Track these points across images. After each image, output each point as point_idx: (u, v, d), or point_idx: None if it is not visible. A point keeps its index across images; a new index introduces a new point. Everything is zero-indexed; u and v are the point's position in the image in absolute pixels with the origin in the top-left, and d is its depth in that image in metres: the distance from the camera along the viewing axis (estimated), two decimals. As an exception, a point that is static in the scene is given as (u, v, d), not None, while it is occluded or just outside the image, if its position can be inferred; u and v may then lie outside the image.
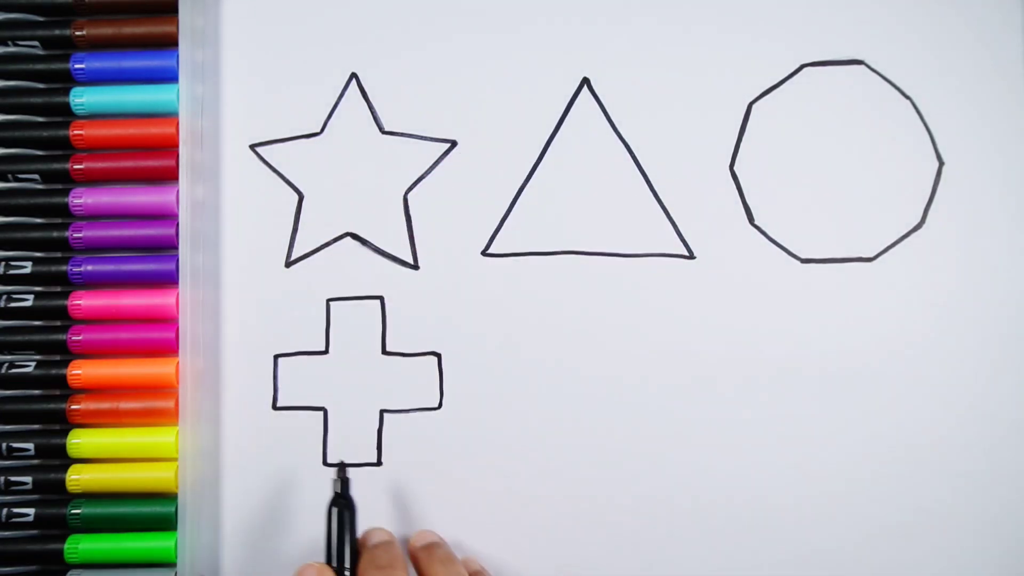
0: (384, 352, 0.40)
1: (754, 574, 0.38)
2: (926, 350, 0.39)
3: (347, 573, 0.34)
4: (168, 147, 0.40)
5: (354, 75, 0.41)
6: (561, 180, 0.40)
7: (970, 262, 0.39)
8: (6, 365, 0.39)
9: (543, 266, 0.40)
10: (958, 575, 0.38)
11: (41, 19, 0.41)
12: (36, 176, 0.40)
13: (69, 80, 0.40)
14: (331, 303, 0.40)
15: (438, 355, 0.40)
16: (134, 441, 0.39)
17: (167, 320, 0.40)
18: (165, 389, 0.39)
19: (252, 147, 0.40)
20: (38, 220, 0.40)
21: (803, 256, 0.39)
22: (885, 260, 0.39)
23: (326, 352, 0.40)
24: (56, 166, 0.40)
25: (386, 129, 0.40)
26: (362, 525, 0.39)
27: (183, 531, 0.38)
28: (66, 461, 0.39)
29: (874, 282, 0.39)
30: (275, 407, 0.40)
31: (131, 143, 0.40)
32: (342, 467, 0.37)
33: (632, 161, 0.40)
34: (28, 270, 0.40)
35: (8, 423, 0.40)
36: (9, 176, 0.40)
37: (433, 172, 0.40)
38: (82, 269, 0.40)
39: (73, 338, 0.39)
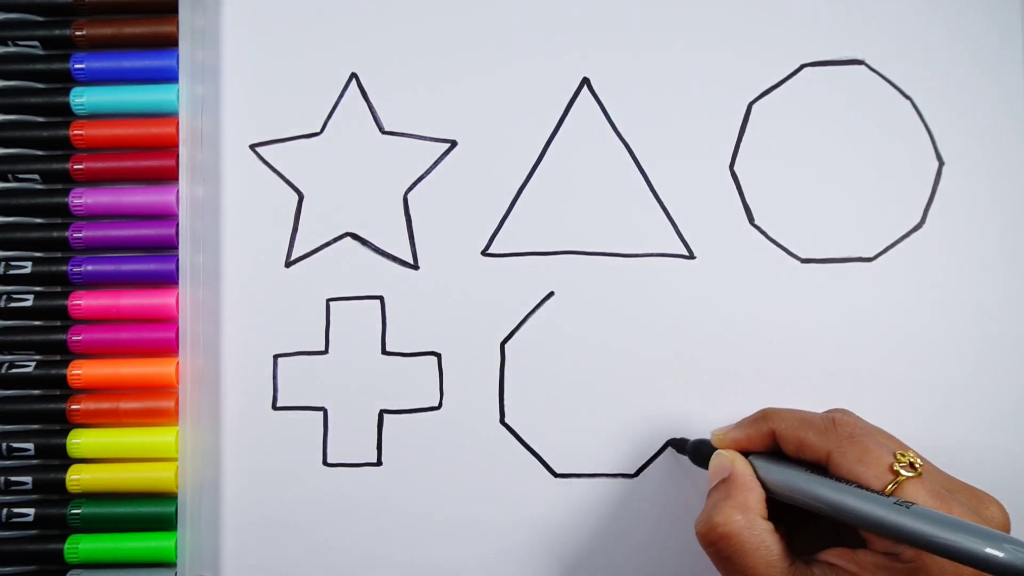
0: (384, 352, 0.40)
1: None
2: (926, 350, 0.39)
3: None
4: (168, 147, 0.40)
5: (354, 75, 0.41)
6: (561, 180, 0.40)
7: (970, 262, 0.39)
8: (6, 365, 0.39)
9: (543, 266, 0.40)
10: (958, 575, 0.38)
11: (41, 19, 0.41)
12: (36, 176, 0.40)
13: (69, 80, 0.40)
14: (331, 303, 0.40)
15: (438, 355, 0.40)
16: (134, 441, 0.39)
17: (167, 320, 0.40)
18: (165, 389, 0.39)
19: (252, 147, 0.40)
20: (38, 220, 0.40)
21: (803, 256, 0.39)
22: (885, 260, 0.39)
23: (326, 352, 0.40)
24: (56, 166, 0.40)
25: (386, 129, 0.40)
26: (361, 526, 0.39)
27: (183, 531, 0.38)
28: (66, 461, 0.39)
29: (874, 282, 0.39)
30: (275, 407, 0.40)
31: (131, 143, 0.40)
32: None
33: (632, 161, 0.40)
34: (28, 270, 0.40)
35: (8, 423, 0.40)
36: (9, 176, 0.40)
37: (433, 172, 0.40)
38: (82, 269, 0.40)
39: (73, 338, 0.39)
